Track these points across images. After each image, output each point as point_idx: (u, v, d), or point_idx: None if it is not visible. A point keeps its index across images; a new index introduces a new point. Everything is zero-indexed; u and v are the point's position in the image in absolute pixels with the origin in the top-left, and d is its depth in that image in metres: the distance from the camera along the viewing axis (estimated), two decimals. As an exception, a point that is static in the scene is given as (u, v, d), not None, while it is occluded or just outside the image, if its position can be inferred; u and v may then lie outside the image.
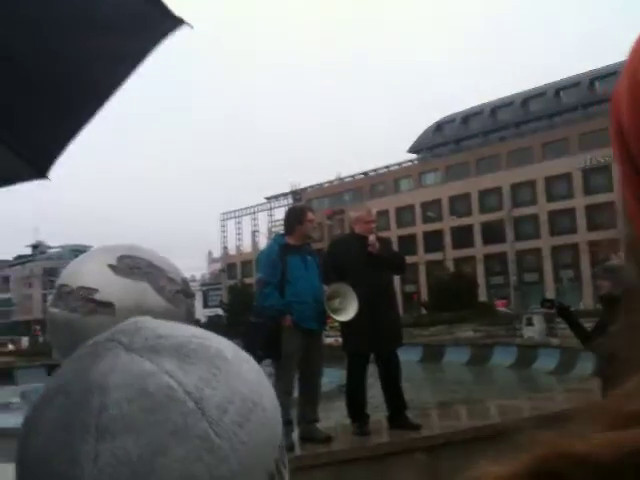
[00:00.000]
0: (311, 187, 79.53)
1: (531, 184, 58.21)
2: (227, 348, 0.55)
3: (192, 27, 1.70)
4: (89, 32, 1.77)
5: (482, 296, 52.80)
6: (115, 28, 1.77)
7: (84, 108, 2.00)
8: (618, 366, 0.34)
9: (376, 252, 5.30)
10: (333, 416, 7.19)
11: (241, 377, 0.53)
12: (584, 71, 65.15)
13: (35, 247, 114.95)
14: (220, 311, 59.05)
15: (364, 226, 5.50)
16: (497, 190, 59.60)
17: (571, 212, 55.89)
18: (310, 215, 5.42)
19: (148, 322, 0.55)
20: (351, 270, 5.23)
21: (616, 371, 0.34)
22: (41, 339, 47.72)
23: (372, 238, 5.35)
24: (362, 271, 5.22)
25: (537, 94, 67.39)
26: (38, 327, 57.63)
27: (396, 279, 6.08)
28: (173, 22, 1.66)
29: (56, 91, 1.95)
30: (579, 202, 55.41)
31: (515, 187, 58.73)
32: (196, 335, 0.54)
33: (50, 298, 1.26)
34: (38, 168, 2.20)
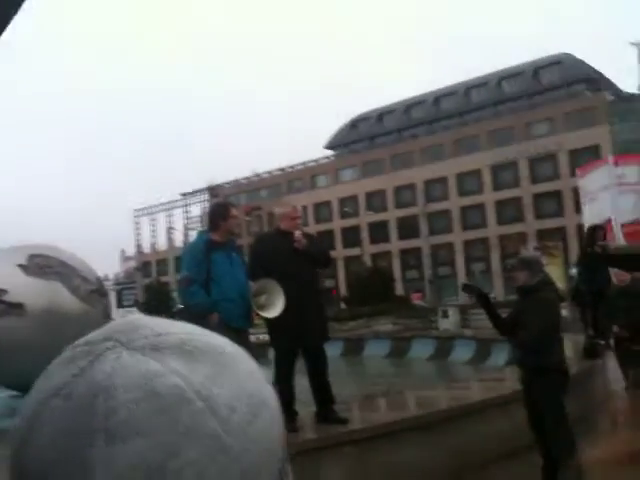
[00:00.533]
0: (227, 183, 78.84)
1: (443, 180, 59.94)
2: (227, 345, 0.52)
3: None
4: None
5: (399, 290, 54.04)
6: None
7: None
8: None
9: (302, 248, 5.27)
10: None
11: (245, 375, 0.50)
12: (493, 70, 67.62)
13: None
14: (135, 310, 57.68)
15: (290, 222, 5.48)
16: (411, 186, 61.05)
17: (481, 207, 57.94)
18: (234, 211, 5.39)
19: (143, 320, 0.52)
20: (277, 266, 5.20)
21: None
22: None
23: (298, 234, 5.33)
24: (288, 267, 5.20)
25: (448, 93, 69.41)
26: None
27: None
28: None
29: None
30: (488, 197, 57.51)
31: (428, 183, 60.32)
32: (195, 331, 0.52)
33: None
34: None
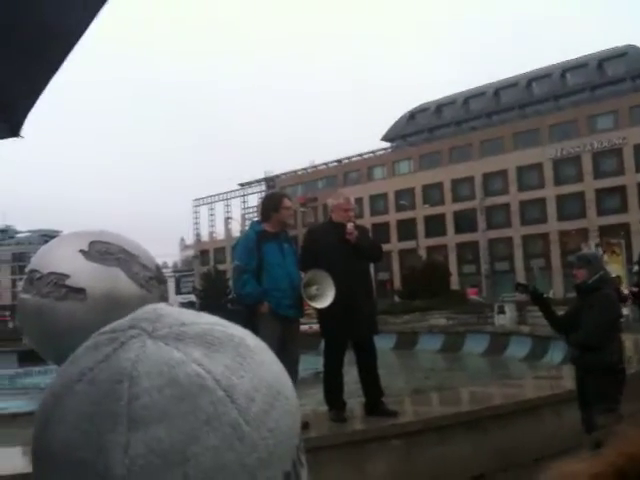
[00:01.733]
0: (285, 174, 79.30)
1: (503, 174, 58.77)
2: (248, 337, 0.54)
3: None
4: None
5: (454, 284, 53.32)
6: None
7: (49, 58, 1.95)
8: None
9: (354, 240, 5.28)
10: (310, 403, 7.20)
11: (265, 366, 0.52)
12: (556, 62, 65.81)
13: (3, 231, 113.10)
14: (193, 298, 58.79)
15: (342, 214, 5.46)
16: (469, 179, 60.09)
17: (542, 202, 56.59)
18: (287, 202, 5.37)
19: (168, 309, 0.54)
20: (328, 258, 5.20)
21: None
22: (10, 325, 47.06)
23: (350, 226, 5.32)
24: (339, 259, 5.20)
25: (509, 85, 67.91)
26: (7, 313, 56.80)
27: (370, 267, 6.08)
28: None
29: (18, 41, 1.89)
30: (549, 192, 56.12)
31: (487, 176, 59.25)
32: (218, 323, 0.53)
33: (21, 284, 1.20)
34: (10, 126, 2.15)
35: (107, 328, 0.52)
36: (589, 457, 0.31)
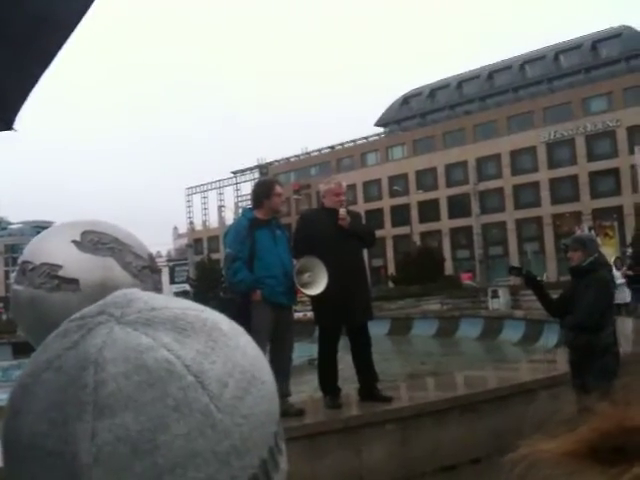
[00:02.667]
0: (277, 161, 79.10)
1: (496, 157, 58.76)
2: (223, 321, 0.53)
3: None
4: None
5: (448, 269, 53.46)
6: None
7: (42, 51, 1.93)
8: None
9: (347, 225, 5.27)
10: (305, 390, 7.23)
11: (239, 350, 0.51)
12: (549, 44, 65.62)
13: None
14: (187, 287, 58.73)
15: (334, 199, 5.45)
16: (463, 164, 60.06)
17: (535, 185, 56.65)
18: (278, 189, 5.36)
19: (139, 294, 0.52)
20: (321, 244, 5.20)
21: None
22: (4, 316, 46.99)
23: (343, 211, 5.32)
24: (332, 245, 5.19)
25: (502, 67, 67.72)
26: (1, 304, 56.73)
27: (364, 253, 6.08)
28: None
29: (9, 33, 1.87)
30: (543, 175, 56.16)
31: (480, 160, 59.23)
32: (191, 307, 0.52)
33: (13, 275, 1.20)
34: (3, 120, 2.13)
35: (77, 314, 0.51)
36: (561, 435, 0.31)
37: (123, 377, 0.45)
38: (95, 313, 0.50)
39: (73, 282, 1.13)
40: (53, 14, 1.80)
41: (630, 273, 16.17)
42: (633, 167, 45.02)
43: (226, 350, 0.49)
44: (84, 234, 1.16)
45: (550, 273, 47.42)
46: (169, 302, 0.52)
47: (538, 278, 5.40)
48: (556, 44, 64.87)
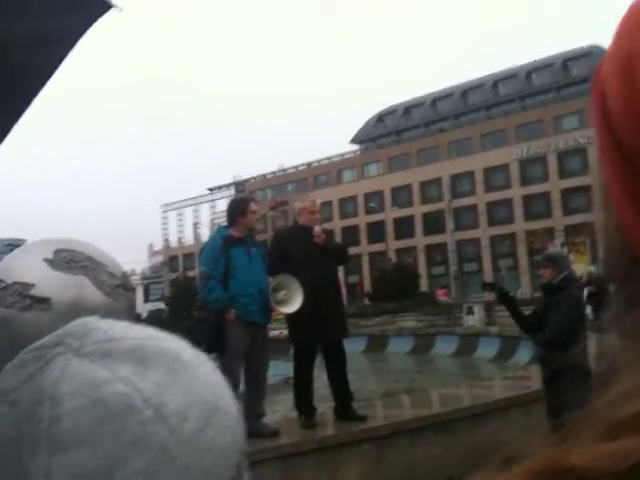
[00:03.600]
0: (254, 178, 79.03)
1: (470, 175, 59.41)
2: (185, 350, 0.51)
3: (121, 10, 1.70)
4: (18, 16, 1.71)
5: (424, 286, 53.71)
6: (46, 12, 1.72)
7: (19, 95, 1.92)
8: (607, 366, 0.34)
9: (322, 243, 5.28)
10: (281, 409, 7.18)
11: (201, 380, 0.50)
12: (522, 63, 66.77)
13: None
14: (162, 305, 58.15)
15: (309, 217, 5.46)
16: (437, 181, 60.60)
17: (508, 202, 57.32)
18: (253, 206, 5.35)
19: (99, 323, 0.51)
20: (296, 261, 5.19)
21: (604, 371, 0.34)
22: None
23: (318, 229, 5.32)
24: (307, 262, 5.19)
25: (476, 86, 68.71)
26: (-30, 324, 55.51)
27: (339, 270, 6.09)
28: (102, 5, 1.66)
29: None
30: (516, 192, 56.87)
31: (455, 178, 59.83)
32: (152, 337, 0.51)
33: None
34: None
35: (36, 344, 0.50)
36: (496, 474, 0.31)
37: (79, 412, 0.44)
38: (53, 344, 0.49)
39: (45, 301, 1.12)
40: (27, 64, 1.80)
41: (593, 290, 16.35)
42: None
43: (187, 381, 0.49)
44: (57, 252, 1.15)
45: (524, 289, 47.85)
46: (129, 331, 0.51)
47: (511, 294, 5.45)
48: (528, 63, 66.04)
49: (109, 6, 1.68)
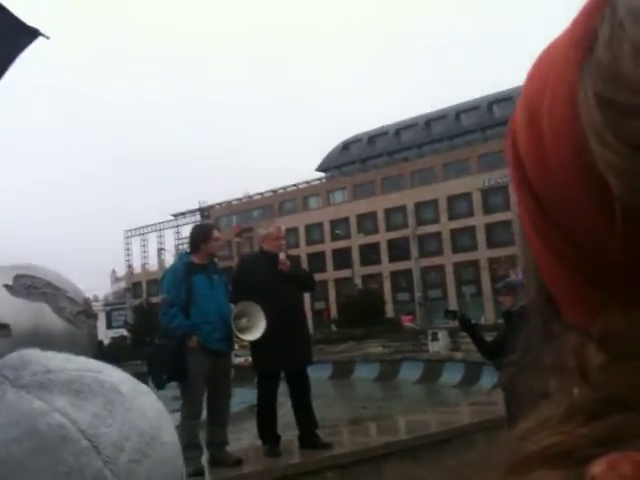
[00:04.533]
0: (219, 204, 78.85)
1: (434, 203, 60.24)
2: (123, 381, 0.52)
3: (48, 38, 1.71)
4: None
5: (389, 312, 53.93)
6: None
7: None
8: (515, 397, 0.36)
9: (286, 270, 5.28)
10: (244, 437, 7.09)
11: (138, 412, 0.50)
12: (483, 95, 68.33)
13: None
14: (125, 332, 57.17)
15: (274, 243, 5.47)
16: (402, 208, 61.28)
17: (471, 230, 58.19)
18: (216, 233, 5.33)
19: (36, 355, 0.51)
20: (261, 288, 5.17)
21: (518, 403, 0.35)
22: None
23: (282, 256, 5.32)
24: (272, 289, 5.17)
25: (439, 116, 70.02)
26: None
27: (306, 296, 6.08)
28: (29, 34, 1.67)
29: None
30: (479, 220, 57.80)
31: (419, 206, 60.59)
32: (90, 368, 0.51)
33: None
34: None
35: None
36: None
37: (14, 443, 0.44)
38: None
39: (4, 327, 1.10)
40: None
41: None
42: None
43: (124, 412, 0.49)
44: (16, 278, 1.14)
45: (488, 315, 48.34)
46: (67, 363, 0.51)
47: (472, 321, 5.51)
48: (490, 94, 67.64)
49: (36, 34, 1.69)
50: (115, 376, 0.52)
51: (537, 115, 0.34)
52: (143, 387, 0.54)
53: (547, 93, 0.34)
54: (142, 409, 0.50)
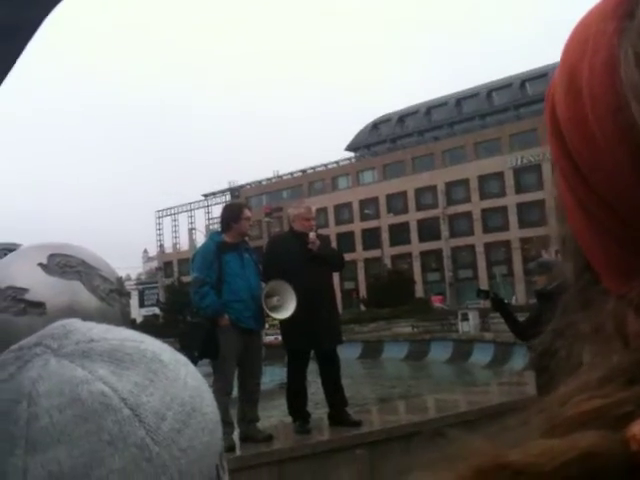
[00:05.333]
0: (249, 184, 79.07)
1: (465, 182, 59.57)
2: (164, 351, 0.52)
3: None
4: None
5: (419, 292, 53.75)
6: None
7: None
8: (554, 364, 0.36)
9: (316, 250, 5.28)
10: (274, 415, 7.17)
11: (179, 382, 0.50)
12: (516, 73, 67.08)
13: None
14: (157, 310, 58.01)
15: (304, 223, 5.47)
16: (432, 188, 60.74)
17: (503, 210, 57.48)
18: (247, 212, 5.35)
19: (78, 324, 0.52)
20: (291, 267, 5.20)
21: (551, 369, 0.36)
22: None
23: (312, 236, 5.32)
24: (302, 268, 5.19)
25: (470, 95, 68.98)
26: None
27: (335, 276, 6.09)
28: None
29: None
30: (511, 200, 57.04)
31: (449, 185, 59.98)
32: (131, 338, 0.52)
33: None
34: None
35: (15, 346, 0.51)
36: (440, 470, 0.31)
37: (57, 411, 0.45)
38: (32, 344, 0.50)
39: (39, 306, 1.13)
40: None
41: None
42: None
43: (165, 382, 0.49)
44: (51, 257, 1.16)
45: (519, 296, 47.90)
46: (108, 333, 0.51)
47: (505, 301, 5.47)
48: (522, 72, 66.35)
49: None
50: (156, 346, 0.52)
51: (576, 80, 0.35)
52: (183, 358, 0.54)
53: (586, 57, 0.34)
54: (183, 379, 0.51)
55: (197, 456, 0.48)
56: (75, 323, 0.52)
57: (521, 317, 5.43)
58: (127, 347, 0.50)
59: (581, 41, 0.35)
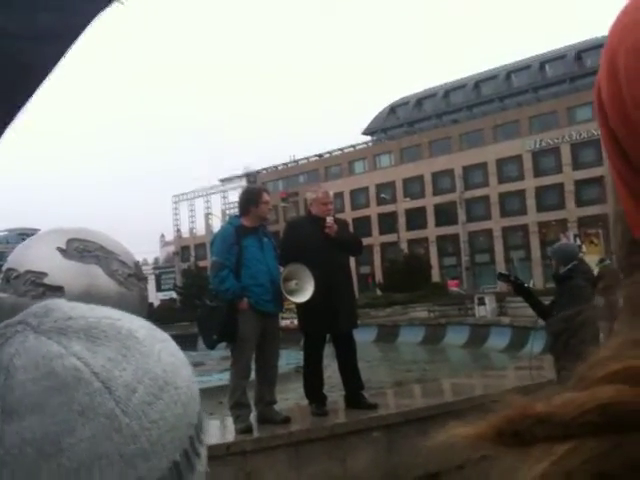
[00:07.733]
0: (265, 169, 79.05)
1: (482, 166, 59.09)
2: (140, 328, 0.55)
3: (123, 3, 1.69)
4: (12, 10, 1.71)
5: (435, 277, 53.61)
6: (41, 6, 1.71)
7: (16, 94, 1.92)
8: (577, 341, 0.37)
9: (333, 234, 5.29)
10: (291, 397, 7.23)
11: (152, 357, 0.53)
12: (535, 54, 66.22)
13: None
14: (174, 294, 58.44)
15: (321, 208, 5.48)
16: (449, 172, 60.34)
17: (521, 194, 56.99)
18: (265, 196, 5.36)
19: (60, 304, 0.55)
20: (308, 252, 5.21)
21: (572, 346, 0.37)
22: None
23: (330, 220, 5.33)
24: (319, 253, 5.21)
25: (489, 77, 68.23)
26: (-15, 313, 56.00)
27: (351, 260, 6.10)
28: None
29: None
30: (529, 184, 56.52)
31: (467, 169, 59.53)
32: (108, 316, 0.54)
33: (-3, 283, 1.20)
34: None
35: (2, 323, 0.54)
36: (474, 421, 0.34)
37: (31, 383, 0.48)
38: (15, 322, 0.53)
39: (58, 290, 1.14)
40: (24, 61, 1.79)
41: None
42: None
43: (138, 357, 0.52)
44: (69, 242, 1.17)
45: (536, 280, 47.61)
46: (88, 311, 0.54)
47: (526, 285, 5.48)
48: (541, 54, 65.48)
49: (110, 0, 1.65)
50: (133, 323, 0.55)
51: (615, 63, 0.37)
52: (161, 334, 0.56)
53: (623, 42, 0.36)
54: (157, 355, 0.53)
55: (169, 427, 0.51)
56: (58, 302, 0.55)
57: (545, 301, 5.43)
58: (103, 324, 0.53)
59: (620, 27, 0.37)
